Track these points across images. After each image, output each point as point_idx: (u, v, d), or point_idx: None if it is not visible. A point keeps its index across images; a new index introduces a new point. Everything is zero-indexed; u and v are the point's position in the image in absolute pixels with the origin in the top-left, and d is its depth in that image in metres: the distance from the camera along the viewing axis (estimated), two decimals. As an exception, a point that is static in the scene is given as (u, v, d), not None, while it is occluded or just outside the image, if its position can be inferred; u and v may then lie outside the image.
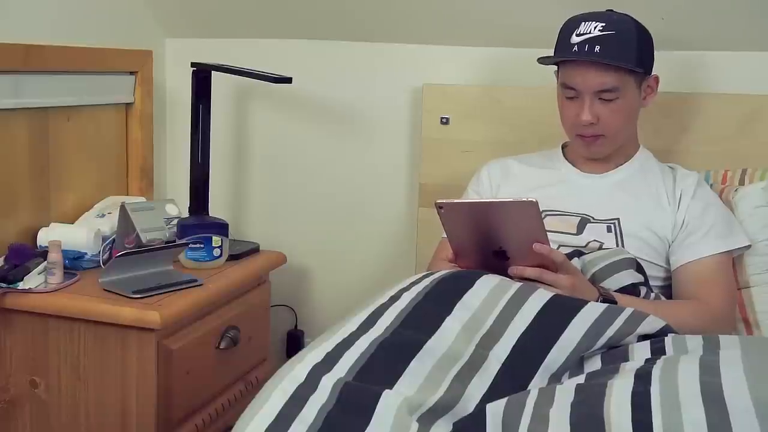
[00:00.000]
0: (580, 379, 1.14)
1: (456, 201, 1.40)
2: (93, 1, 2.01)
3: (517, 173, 1.75)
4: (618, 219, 1.60)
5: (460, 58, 2.10)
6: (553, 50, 1.62)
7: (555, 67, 1.66)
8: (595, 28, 1.54)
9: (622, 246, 1.58)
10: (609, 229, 1.60)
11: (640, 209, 1.62)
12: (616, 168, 1.68)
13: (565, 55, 1.58)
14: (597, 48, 1.53)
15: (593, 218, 1.61)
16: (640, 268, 1.54)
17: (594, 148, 1.64)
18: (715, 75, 1.93)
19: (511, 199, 1.40)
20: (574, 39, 1.56)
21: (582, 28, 1.56)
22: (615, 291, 1.47)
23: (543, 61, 1.64)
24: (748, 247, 1.63)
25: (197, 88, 1.96)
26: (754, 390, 0.99)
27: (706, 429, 0.94)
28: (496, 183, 1.76)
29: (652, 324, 1.27)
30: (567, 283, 1.36)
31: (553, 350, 1.20)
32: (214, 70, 1.96)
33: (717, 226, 1.60)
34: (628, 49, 1.54)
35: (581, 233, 1.60)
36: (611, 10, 1.59)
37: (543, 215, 1.60)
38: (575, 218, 1.62)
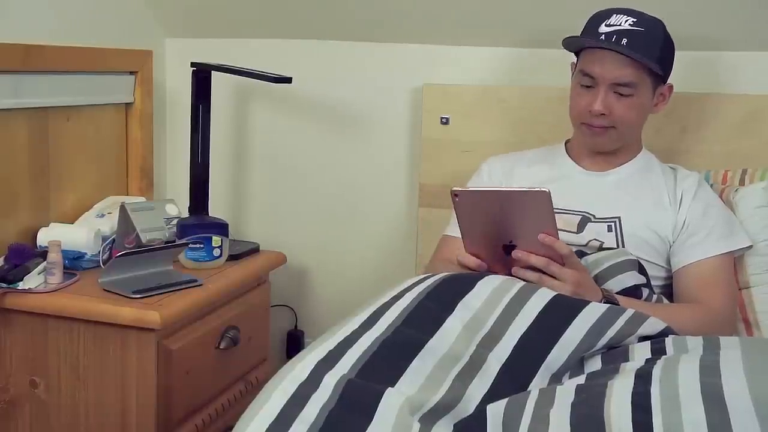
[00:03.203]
0: (581, 379, 1.14)
1: (471, 189, 1.40)
2: (93, 1, 2.01)
3: (517, 171, 1.75)
4: (619, 218, 1.60)
5: (460, 58, 2.10)
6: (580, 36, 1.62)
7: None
8: (626, 21, 1.55)
9: (623, 245, 1.57)
10: (609, 229, 1.59)
11: (641, 208, 1.61)
12: (619, 166, 1.68)
13: (591, 41, 1.59)
14: (624, 41, 1.53)
15: (594, 217, 1.61)
16: (642, 270, 1.54)
17: (599, 139, 1.63)
18: (716, 75, 1.93)
19: (525, 189, 1.39)
20: (603, 29, 1.56)
21: (613, 19, 1.56)
22: (617, 292, 1.47)
23: (568, 41, 1.62)
24: (750, 247, 1.63)
25: (197, 88, 1.96)
26: (754, 390, 0.99)
27: (706, 429, 0.94)
28: (497, 179, 1.75)
29: (653, 325, 1.27)
30: (572, 278, 1.36)
31: (554, 350, 1.20)
32: (214, 70, 1.96)
33: (718, 227, 1.60)
34: (653, 49, 1.55)
35: (582, 231, 1.60)
36: (646, 14, 1.58)
37: None
38: (576, 217, 1.61)
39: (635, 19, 1.55)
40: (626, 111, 1.58)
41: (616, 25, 1.55)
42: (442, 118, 2.06)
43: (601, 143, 1.65)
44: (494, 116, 2.03)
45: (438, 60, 2.11)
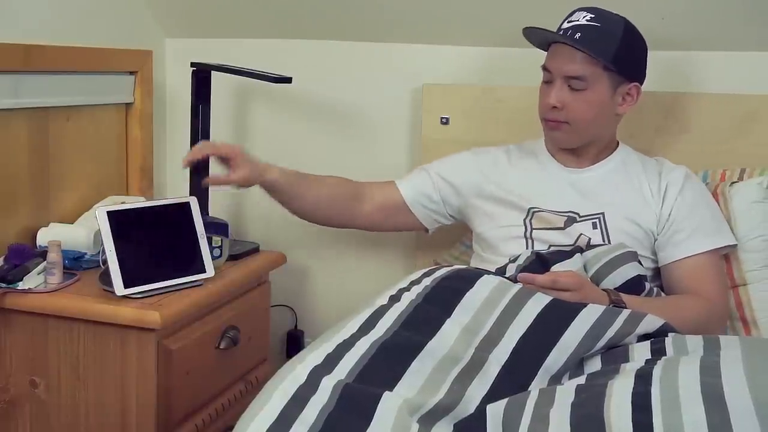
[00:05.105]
0: (581, 379, 1.14)
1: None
2: (93, 1, 2.01)
3: (503, 163, 1.75)
4: (603, 213, 1.61)
5: (460, 58, 2.10)
6: None
7: None
8: (583, 17, 1.56)
9: (609, 241, 1.58)
10: (594, 226, 1.60)
11: (623, 202, 1.62)
12: (597, 163, 1.68)
13: (539, 31, 1.61)
14: (578, 35, 1.54)
15: (579, 216, 1.61)
16: (640, 261, 1.54)
17: (556, 135, 1.64)
18: (715, 75, 1.93)
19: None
20: (564, 25, 1.58)
21: (575, 16, 1.58)
22: (622, 284, 1.47)
23: (527, 32, 1.64)
24: (735, 246, 1.63)
25: (197, 88, 1.96)
26: (755, 390, 0.99)
27: (707, 429, 0.95)
28: (481, 168, 1.75)
29: (651, 323, 1.27)
30: (575, 298, 1.35)
31: (553, 352, 1.21)
32: (214, 70, 1.96)
33: (704, 225, 1.60)
34: (607, 45, 1.54)
35: (569, 227, 1.60)
36: (611, 12, 1.59)
37: (530, 213, 1.61)
38: (562, 218, 1.62)
39: (593, 15, 1.56)
40: (579, 105, 1.58)
41: (575, 21, 1.57)
42: (442, 118, 2.06)
43: (558, 138, 1.65)
44: (494, 116, 2.03)
45: (438, 60, 2.11)
